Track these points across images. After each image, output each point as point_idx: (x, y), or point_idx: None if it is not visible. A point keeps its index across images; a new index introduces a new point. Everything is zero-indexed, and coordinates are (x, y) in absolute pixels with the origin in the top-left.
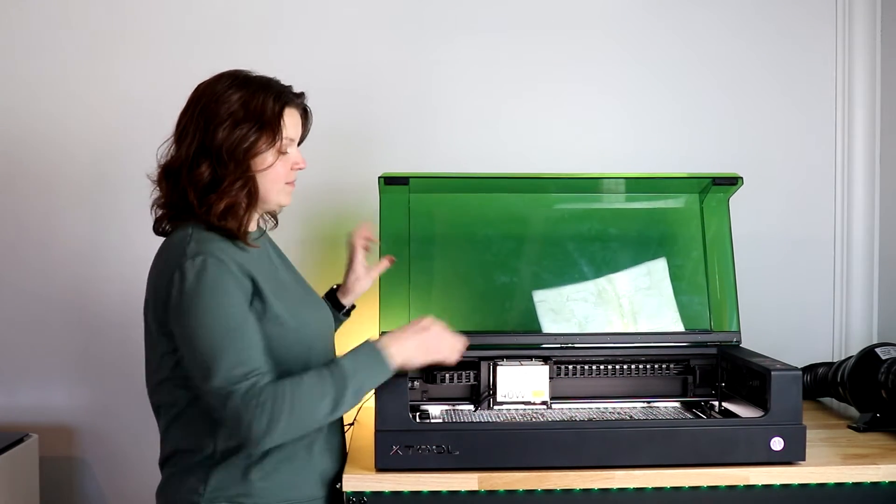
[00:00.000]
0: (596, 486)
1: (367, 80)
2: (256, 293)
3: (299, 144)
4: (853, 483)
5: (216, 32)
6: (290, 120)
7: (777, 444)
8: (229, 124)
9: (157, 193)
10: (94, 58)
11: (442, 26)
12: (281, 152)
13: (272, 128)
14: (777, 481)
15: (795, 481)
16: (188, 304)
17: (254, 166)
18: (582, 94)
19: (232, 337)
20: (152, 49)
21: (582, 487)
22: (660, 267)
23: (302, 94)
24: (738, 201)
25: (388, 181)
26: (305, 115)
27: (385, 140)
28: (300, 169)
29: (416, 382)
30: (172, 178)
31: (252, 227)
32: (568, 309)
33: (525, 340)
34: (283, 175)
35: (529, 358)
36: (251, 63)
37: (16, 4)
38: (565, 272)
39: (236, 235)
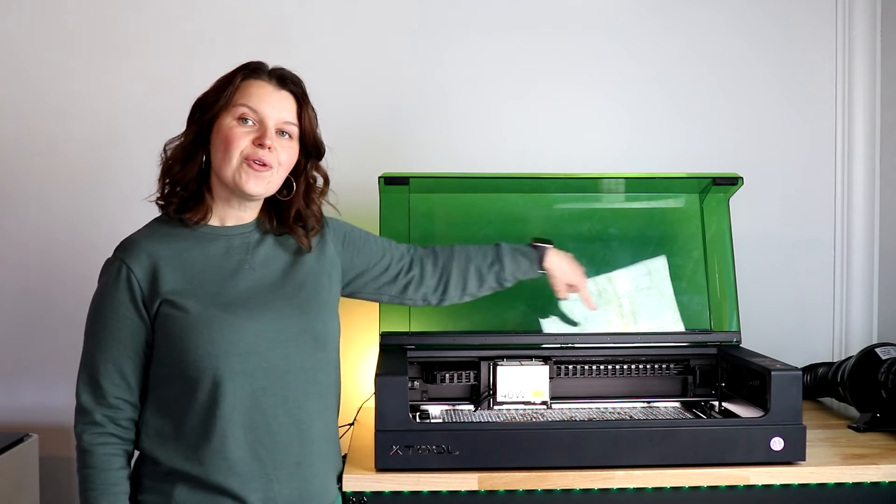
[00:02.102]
0: (596, 486)
1: (367, 80)
2: (155, 289)
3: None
4: (853, 483)
5: (218, 33)
6: (254, 88)
7: (777, 444)
8: (209, 90)
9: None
10: (95, 56)
11: (442, 27)
12: (236, 118)
13: (224, 86)
14: (777, 481)
15: (795, 481)
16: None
17: (214, 129)
18: (582, 93)
19: (98, 349)
20: (154, 49)
21: (582, 487)
22: (660, 266)
23: (278, 71)
24: (738, 201)
25: (388, 181)
26: (300, 100)
27: (385, 140)
28: (260, 146)
29: (416, 382)
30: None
31: (228, 218)
32: (568, 309)
33: (525, 340)
34: (234, 139)
35: (529, 358)
36: None
37: (17, 3)
38: None
39: (186, 217)
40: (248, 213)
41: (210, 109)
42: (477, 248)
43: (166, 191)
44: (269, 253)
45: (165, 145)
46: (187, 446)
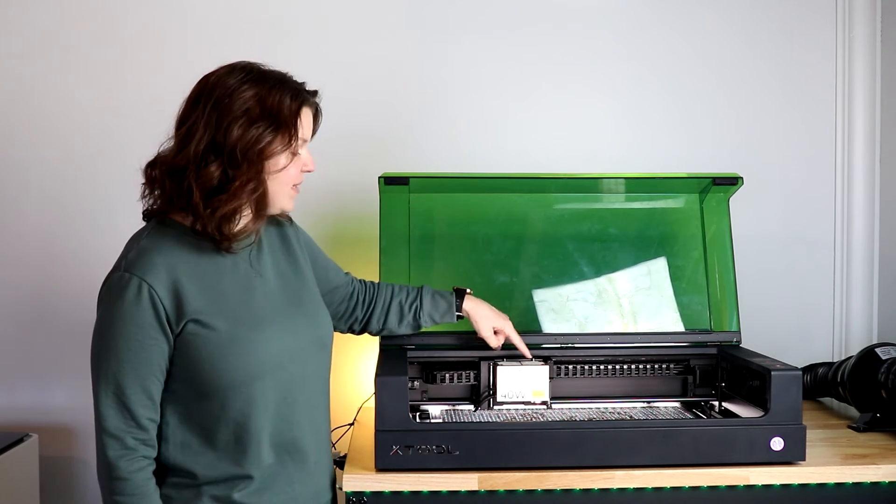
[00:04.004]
0: (596, 486)
1: (368, 80)
2: (179, 309)
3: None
4: (853, 483)
5: (216, 33)
6: (305, 120)
7: (777, 444)
8: (245, 122)
9: (144, 187)
10: (91, 57)
11: (442, 27)
12: (294, 154)
13: (288, 128)
14: (777, 481)
15: (795, 481)
16: (98, 317)
17: (267, 168)
18: (582, 94)
19: (123, 370)
20: (152, 50)
21: (582, 487)
22: (660, 267)
23: (316, 93)
24: (738, 201)
25: (388, 181)
26: (317, 114)
27: (385, 140)
28: (308, 171)
29: (416, 382)
30: (177, 176)
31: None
32: (568, 309)
33: (525, 340)
34: (293, 177)
35: (529, 358)
36: None
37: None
38: (565, 272)
39: (219, 243)
40: (251, 224)
41: (271, 153)
42: (402, 286)
43: (227, 224)
44: (270, 258)
45: (209, 184)
46: (221, 458)
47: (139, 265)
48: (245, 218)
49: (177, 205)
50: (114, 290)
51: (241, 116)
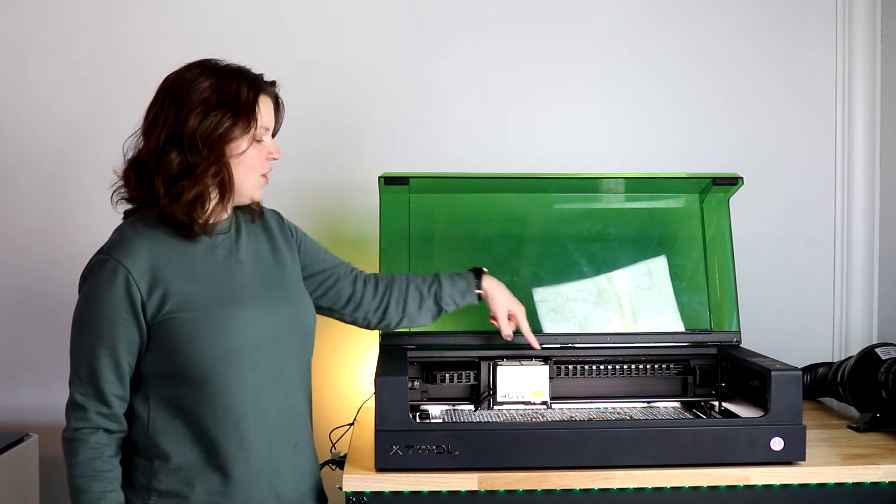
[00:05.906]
0: (596, 486)
1: (367, 79)
2: (156, 293)
3: (273, 136)
4: (853, 483)
5: (214, 32)
6: (265, 108)
7: (777, 444)
8: (202, 110)
9: (119, 185)
10: (88, 57)
11: (442, 26)
12: (256, 140)
13: (247, 114)
14: (777, 481)
15: (795, 481)
16: (78, 297)
17: (228, 152)
18: (582, 94)
19: (93, 347)
20: (145, 49)
21: (582, 487)
22: (660, 266)
23: (274, 83)
24: (738, 201)
25: (388, 181)
26: (277, 105)
27: (385, 140)
28: (274, 159)
29: (416, 382)
30: (141, 170)
31: (220, 218)
32: (568, 309)
33: (525, 340)
34: (257, 164)
35: (529, 358)
36: (250, 63)
37: (15, 3)
38: (565, 272)
39: (190, 229)
40: (227, 212)
41: (230, 138)
42: (417, 274)
43: (169, 201)
44: (249, 244)
45: (169, 171)
46: (207, 444)
47: (119, 249)
48: (214, 203)
49: (142, 197)
50: (93, 271)
51: (198, 106)
